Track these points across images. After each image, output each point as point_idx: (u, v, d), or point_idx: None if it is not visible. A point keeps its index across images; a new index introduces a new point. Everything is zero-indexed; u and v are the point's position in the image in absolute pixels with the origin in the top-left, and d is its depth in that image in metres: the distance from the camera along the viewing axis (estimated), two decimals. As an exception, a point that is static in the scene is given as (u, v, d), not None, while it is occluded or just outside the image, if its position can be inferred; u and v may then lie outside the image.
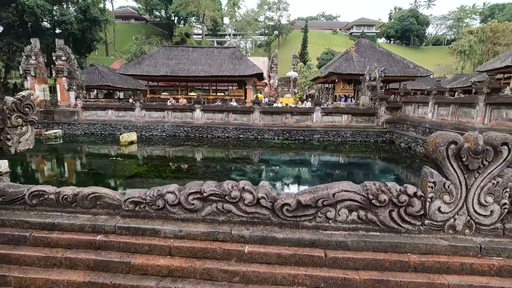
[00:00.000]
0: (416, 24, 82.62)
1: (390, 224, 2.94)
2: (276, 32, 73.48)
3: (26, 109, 4.18)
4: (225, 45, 59.58)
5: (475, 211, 2.88)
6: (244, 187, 3.02)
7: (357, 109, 22.58)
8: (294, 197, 3.00)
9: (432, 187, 2.86)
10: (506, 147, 2.73)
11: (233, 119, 21.88)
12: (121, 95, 46.60)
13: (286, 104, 28.45)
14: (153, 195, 3.12)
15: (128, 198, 3.16)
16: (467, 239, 2.89)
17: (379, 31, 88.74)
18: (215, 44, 69.66)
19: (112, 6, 65.34)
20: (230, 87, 37.96)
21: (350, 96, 31.69)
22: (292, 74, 36.32)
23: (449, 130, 15.14)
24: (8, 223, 3.13)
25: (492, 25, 46.92)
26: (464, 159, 2.77)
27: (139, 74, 31.37)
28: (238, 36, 75.22)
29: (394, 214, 2.93)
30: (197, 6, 56.76)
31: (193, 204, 3.08)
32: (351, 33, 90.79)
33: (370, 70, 23.71)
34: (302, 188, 3.18)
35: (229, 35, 71.94)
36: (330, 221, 2.99)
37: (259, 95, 31.23)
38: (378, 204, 2.91)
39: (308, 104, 27.15)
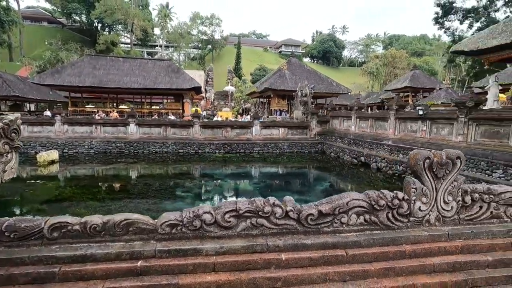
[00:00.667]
0: (334, 47, 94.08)
1: (387, 223, 3.75)
2: (209, 46, 74.10)
3: (13, 134, 3.79)
4: (156, 56, 57.45)
5: (441, 207, 3.91)
6: (274, 202, 3.46)
7: (292, 123, 24.34)
8: (315, 208, 3.57)
9: (414, 192, 3.79)
10: (459, 160, 3.83)
11: (172, 134, 21.30)
12: (32, 107, 40.57)
13: (226, 118, 29.06)
14: (190, 216, 3.29)
15: (165, 222, 3.25)
16: (439, 229, 3.88)
17: (304, 51, 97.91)
18: (145, 55, 66.42)
19: (18, 5, 56.37)
20: (166, 100, 36.75)
21: (285, 110, 33.96)
22: (229, 88, 37.32)
23: (368, 140, 17.55)
24: (28, 260, 2.87)
25: (391, 52, 56.78)
26: (434, 170, 3.77)
27: (60, 84, 27.91)
28: (170, 48, 73.20)
29: (390, 215, 3.75)
30: (124, 14, 53.46)
31: (229, 221, 3.36)
32: (280, 52, 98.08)
33: (302, 87, 25.92)
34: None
35: (161, 46, 69.42)
36: (344, 225, 3.65)
37: (198, 109, 31.18)
38: (378, 208, 3.69)
39: (247, 118, 28.25)
